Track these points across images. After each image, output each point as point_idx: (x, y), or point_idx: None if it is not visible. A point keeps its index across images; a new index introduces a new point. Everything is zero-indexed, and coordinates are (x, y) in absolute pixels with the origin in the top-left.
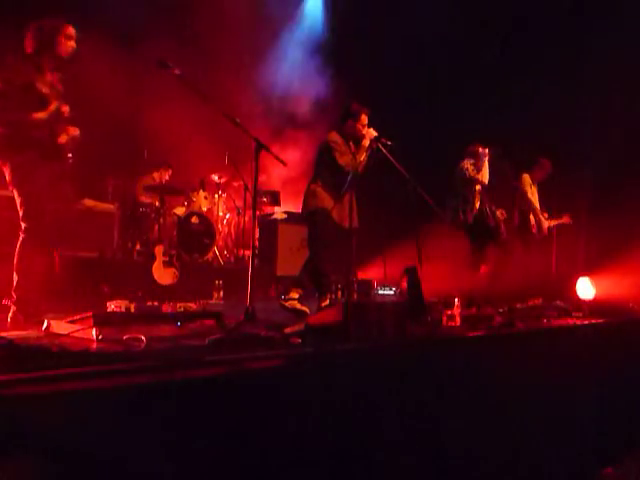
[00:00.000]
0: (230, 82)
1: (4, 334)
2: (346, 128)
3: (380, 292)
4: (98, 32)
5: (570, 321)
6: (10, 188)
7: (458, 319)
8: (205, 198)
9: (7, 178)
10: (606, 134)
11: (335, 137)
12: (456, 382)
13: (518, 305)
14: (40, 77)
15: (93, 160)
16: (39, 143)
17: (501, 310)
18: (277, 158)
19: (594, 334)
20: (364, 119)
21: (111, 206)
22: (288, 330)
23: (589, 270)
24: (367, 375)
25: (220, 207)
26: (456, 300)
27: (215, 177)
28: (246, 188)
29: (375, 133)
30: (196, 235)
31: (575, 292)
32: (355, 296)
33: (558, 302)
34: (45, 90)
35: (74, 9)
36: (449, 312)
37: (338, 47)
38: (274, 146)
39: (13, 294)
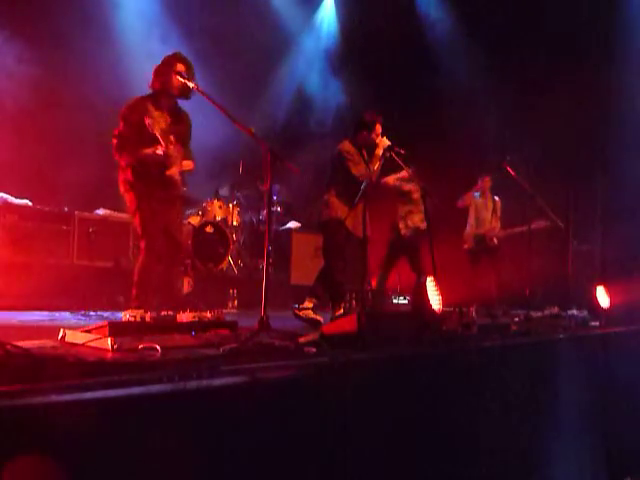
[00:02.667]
0: (245, 90)
1: (20, 344)
2: (360, 138)
3: (394, 301)
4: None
5: (587, 330)
6: (130, 214)
7: (474, 328)
8: (219, 207)
9: (128, 205)
10: (620, 141)
11: (348, 147)
12: (471, 391)
13: (534, 314)
14: (155, 114)
15: (107, 169)
16: (151, 176)
17: (517, 319)
18: (291, 168)
19: (611, 343)
20: (378, 129)
21: (126, 215)
22: (302, 340)
23: (606, 278)
24: (381, 385)
25: (234, 216)
26: (472, 309)
27: (229, 186)
28: (260, 197)
29: (388, 142)
30: (211, 244)
31: (591, 300)
32: (369, 306)
33: (575, 311)
34: (156, 128)
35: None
36: (465, 321)
37: (352, 53)
38: (288, 155)
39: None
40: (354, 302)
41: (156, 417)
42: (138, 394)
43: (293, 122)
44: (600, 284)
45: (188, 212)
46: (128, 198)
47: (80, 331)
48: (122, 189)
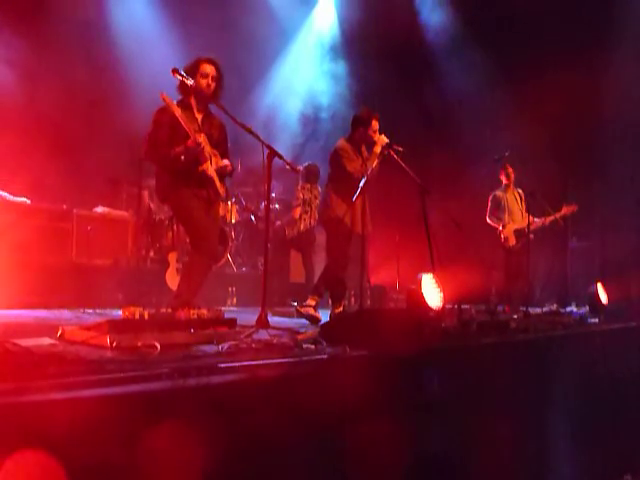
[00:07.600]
0: (242, 89)
1: (19, 341)
2: (357, 135)
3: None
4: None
5: (586, 327)
6: (176, 218)
7: (473, 325)
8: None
9: (171, 210)
10: (620, 138)
11: (343, 144)
12: (470, 388)
13: (533, 311)
14: (186, 113)
15: (107, 167)
16: (183, 174)
17: (516, 316)
18: (289, 165)
19: (611, 339)
20: (375, 125)
21: (125, 213)
22: (301, 336)
23: (605, 275)
24: (380, 382)
25: (233, 214)
26: (471, 306)
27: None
28: (259, 195)
29: (386, 140)
30: None
31: (590, 297)
32: (368, 302)
33: (574, 307)
34: (189, 126)
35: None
36: (464, 318)
37: (350, 49)
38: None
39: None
40: (353, 299)
41: (155, 415)
42: (137, 392)
43: (292, 119)
44: (599, 281)
45: None
46: (169, 204)
47: (79, 329)
48: (161, 196)
